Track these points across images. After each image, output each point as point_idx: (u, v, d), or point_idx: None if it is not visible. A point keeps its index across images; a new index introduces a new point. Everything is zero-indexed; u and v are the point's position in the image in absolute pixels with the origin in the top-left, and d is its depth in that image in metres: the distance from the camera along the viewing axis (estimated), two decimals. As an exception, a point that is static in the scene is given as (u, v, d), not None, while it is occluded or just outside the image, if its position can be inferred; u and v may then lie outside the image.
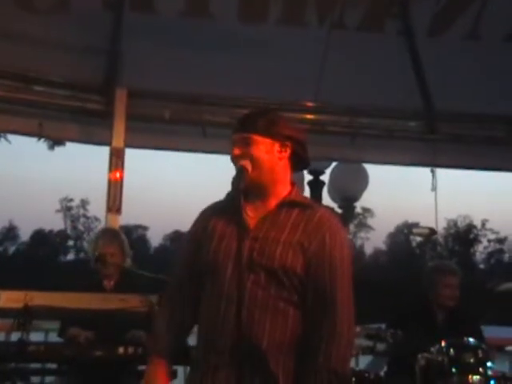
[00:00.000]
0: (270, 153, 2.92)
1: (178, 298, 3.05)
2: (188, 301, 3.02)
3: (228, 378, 2.72)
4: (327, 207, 3.09)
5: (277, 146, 2.93)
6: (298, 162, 3.04)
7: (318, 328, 2.78)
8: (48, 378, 5.39)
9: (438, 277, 5.54)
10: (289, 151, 2.97)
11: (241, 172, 2.85)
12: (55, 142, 7.01)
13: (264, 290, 2.79)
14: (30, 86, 6.49)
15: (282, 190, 2.96)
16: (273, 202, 2.93)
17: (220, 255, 2.87)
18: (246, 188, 2.85)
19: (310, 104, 7.18)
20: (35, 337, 4.94)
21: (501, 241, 67.11)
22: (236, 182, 2.83)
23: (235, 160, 2.91)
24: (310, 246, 2.83)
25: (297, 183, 7.75)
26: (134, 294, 4.63)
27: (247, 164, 2.87)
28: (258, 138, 2.91)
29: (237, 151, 2.90)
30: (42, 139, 6.79)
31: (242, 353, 2.61)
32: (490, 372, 4.61)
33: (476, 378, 4.57)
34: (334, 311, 2.79)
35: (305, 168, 3.14)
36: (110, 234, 5.54)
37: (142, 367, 4.87)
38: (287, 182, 3.00)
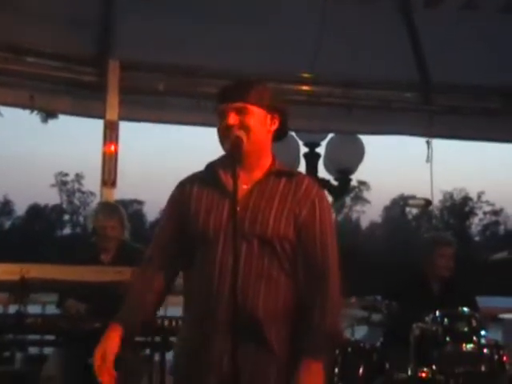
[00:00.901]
0: (263, 124, 2.93)
1: (161, 261, 3.02)
2: (171, 265, 3.02)
3: (223, 346, 2.75)
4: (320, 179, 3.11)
5: (268, 118, 2.95)
6: (280, 134, 3.05)
7: (311, 293, 2.83)
8: (46, 349, 5.42)
9: (433, 247, 5.59)
10: (277, 124, 2.98)
11: (238, 143, 2.84)
12: (48, 114, 6.95)
13: (258, 259, 2.82)
14: (21, 57, 6.43)
15: (266, 162, 2.98)
16: (257, 173, 2.94)
17: (210, 227, 2.86)
18: (240, 159, 2.85)
19: (305, 75, 7.16)
20: (33, 309, 4.97)
21: (496, 213, 67.29)
22: (233, 153, 2.83)
23: (228, 130, 2.88)
24: (300, 213, 2.87)
25: (292, 156, 7.77)
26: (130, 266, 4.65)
27: (242, 134, 2.86)
28: (253, 108, 2.90)
29: (232, 120, 2.87)
30: (35, 112, 6.73)
31: (237, 321, 2.62)
32: (483, 340, 4.66)
33: (469, 346, 4.62)
34: (327, 275, 2.85)
35: (282, 139, 3.10)
36: (109, 207, 5.55)
37: (138, 338, 4.91)
38: (270, 154, 3.01)
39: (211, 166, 3.01)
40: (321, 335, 2.80)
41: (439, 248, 5.55)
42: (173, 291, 3.11)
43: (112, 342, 2.93)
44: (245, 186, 2.88)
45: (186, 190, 3.01)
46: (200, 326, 2.85)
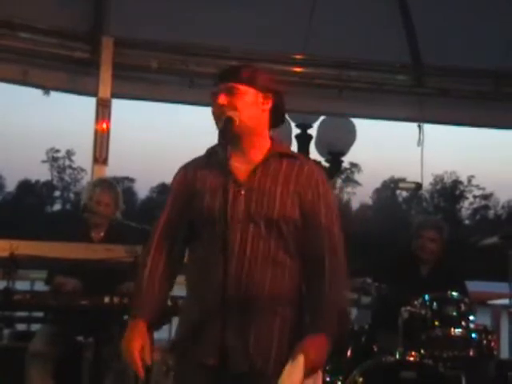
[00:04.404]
0: (254, 104, 2.93)
1: (169, 244, 3.01)
2: (178, 247, 3.02)
3: (226, 328, 2.70)
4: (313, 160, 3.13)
5: (260, 97, 2.95)
6: (277, 117, 3.04)
7: (317, 272, 2.87)
8: (34, 326, 5.43)
9: (417, 230, 5.62)
10: (270, 104, 2.98)
11: (228, 123, 2.85)
12: (42, 90, 6.90)
13: (265, 242, 2.83)
14: (14, 32, 6.39)
15: (264, 143, 2.98)
16: (256, 155, 2.94)
17: (215, 211, 2.85)
18: (232, 139, 2.85)
19: (298, 56, 7.14)
20: (21, 286, 4.96)
21: (486, 197, 67.26)
22: (224, 133, 2.84)
23: (219, 110, 2.89)
24: (306, 195, 2.90)
25: (284, 137, 7.74)
26: (121, 244, 4.64)
27: (234, 114, 2.86)
28: (242, 87, 2.91)
29: (222, 100, 2.88)
30: (30, 88, 6.70)
31: (242, 304, 2.69)
32: (472, 325, 4.68)
33: (458, 330, 4.64)
34: (333, 254, 2.88)
35: (280, 124, 3.12)
36: (108, 183, 5.51)
37: (127, 317, 4.92)
38: (267, 136, 3.02)
39: (213, 150, 3.01)
40: (326, 311, 2.83)
41: (422, 231, 5.57)
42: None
43: (145, 337, 2.92)
44: (246, 167, 2.89)
45: (190, 173, 3.01)
46: (206, 307, 2.84)
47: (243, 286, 2.74)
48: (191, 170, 3.02)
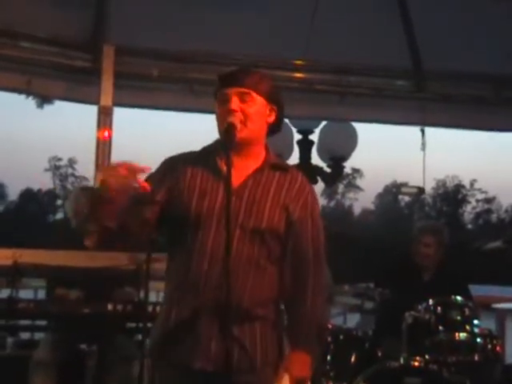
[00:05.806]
0: (261, 114, 2.93)
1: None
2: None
3: (210, 330, 2.79)
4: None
5: (267, 109, 2.95)
6: (274, 128, 3.04)
7: (302, 282, 2.93)
8: (37, 335, 5.42)
9: (416, 235, 5.61)
10: (273, 116, 2.99)
11: (230, 129, 2.81)
12: (44, 99, 6.92)
13: (249, 248, 2.85)
14: (15, 41, 6.39)
15: (260, 152, 2.98)
16: (251, 163, 2.94)
17: (203, 212, 2.85)
18: (234, 146, 2.83)
19: (298, 62, 7.13)
20: (25, 295, 4.96)
21: (489, 201, 67.20)
22: (225, 139, 2.81)
23: (228, 114, 2.85)
24: (295, 209, 2.93)
25: (285, 143, 7.74)
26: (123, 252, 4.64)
27: (236, 121, 2.84)
28: (256, 96, 2.90)
29: (234, 105, 2.86)
30: (31, 97, 6.70)
31: (222, 308, 2.67)
32: (476, 330, 4.67)
33: (463, 335, 4.63)
34: (318, 266, 2.96)
35: (274, 134, 3.09)
36: (89, 190, 5.52)
37: (130, 324, 4.92)
38: (264, 144, 3.02)
39: (207, 150, 2.99)
40: (308, 327, 2.91)
41: (420, 236, 5.57)
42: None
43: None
44: (239, 175, 2.87)
45: (180, 164, 2.96)
46: (185, 309, 2.85)
47: (227, 291, 2.69)
48: (182, 163, 2.97)
